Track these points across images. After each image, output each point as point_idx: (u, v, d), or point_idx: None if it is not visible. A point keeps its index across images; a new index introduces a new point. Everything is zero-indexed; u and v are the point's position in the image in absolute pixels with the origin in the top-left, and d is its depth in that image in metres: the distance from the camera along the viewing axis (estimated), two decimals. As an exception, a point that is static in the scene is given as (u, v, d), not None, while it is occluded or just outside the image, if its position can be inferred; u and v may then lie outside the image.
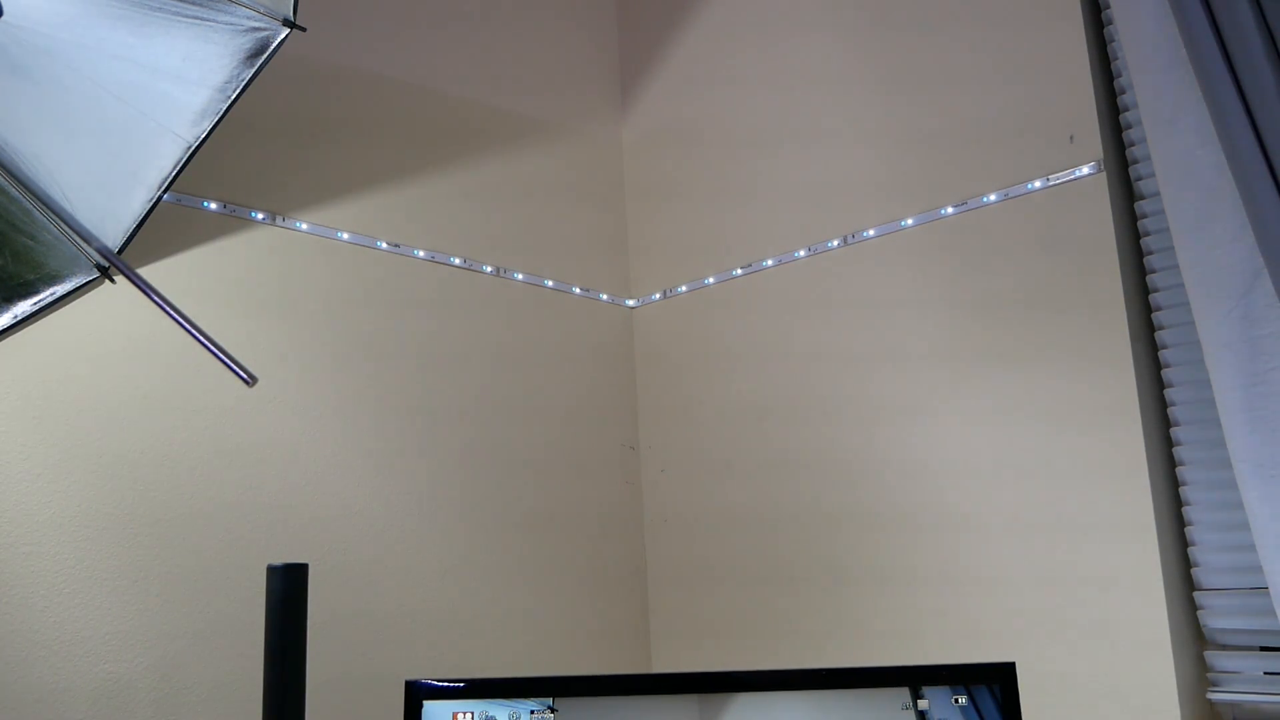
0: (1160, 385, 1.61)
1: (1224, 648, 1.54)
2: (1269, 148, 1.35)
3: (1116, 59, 1.68)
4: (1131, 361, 1.58)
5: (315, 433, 1.74)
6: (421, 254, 1.96)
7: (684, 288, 2.22)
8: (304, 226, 1.81)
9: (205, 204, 1.69)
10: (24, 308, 1.44)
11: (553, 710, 1.19)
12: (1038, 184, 1.70)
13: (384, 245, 1.91)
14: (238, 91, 1.40)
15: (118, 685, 1.47)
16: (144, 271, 1.54)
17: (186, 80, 1.37)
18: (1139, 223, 1.66)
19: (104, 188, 1.41)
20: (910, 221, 1.86)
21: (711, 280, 2.17)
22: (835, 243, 1.97)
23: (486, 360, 2.01)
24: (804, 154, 2.04)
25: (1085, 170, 1.66)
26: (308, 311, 1.78)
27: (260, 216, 1.75)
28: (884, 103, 1.92)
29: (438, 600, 1.84)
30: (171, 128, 1.40)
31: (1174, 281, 1.59)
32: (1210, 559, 1.54)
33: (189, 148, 1.43)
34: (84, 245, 1.41)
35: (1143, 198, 1.65)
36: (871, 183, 1.93)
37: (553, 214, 2.21)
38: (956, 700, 1.16)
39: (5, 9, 1.15)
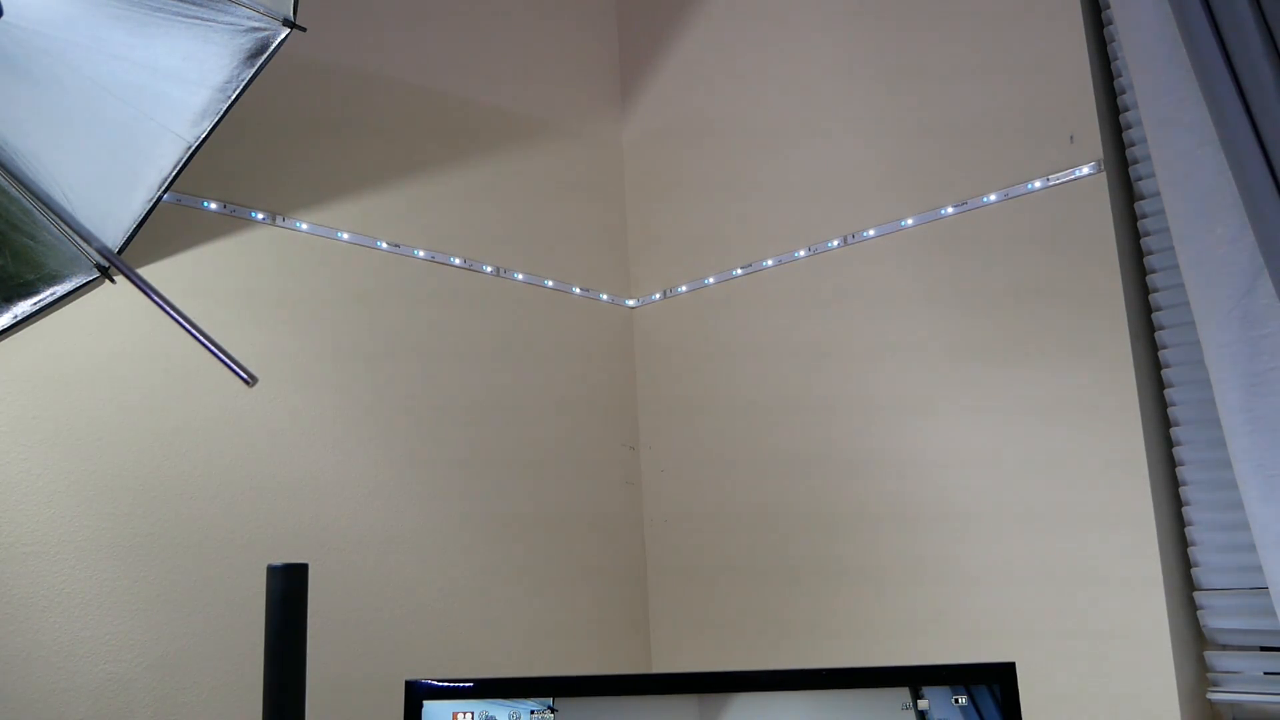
0: (1160, 385, 1.61)
1: (1224, 648, 1.54)
2: (1269, 148, 1.35)
3: (1116, 59, 1.68)
4: (1132, 361, 1.58)
5: (315, 432, 1.74)
6: (421, 254, 1.96)
7: (684, 288, 2.22)
8: (304, 226, 1.81)
9: (205, 204, 1.69)
10: (24, 308, 1.44)
11: (553, 710, 1.19)
12: (1038, 184, 1.70)
13: (384, 245, 1.91)
14: (238, 91, 1.40)
15: (118, 685, 1.47)
16: (144, 271, 1.54)
17: (186, 80, 1.37)
18: (1139, 223, 1.66)
19: (104, 188, 1.41)
20: (910, 221, 1.86)
21: (711, 280, 2.17)
22: (835, 243, 1.97)
23: (486, 360, 2.01)
24: (804, 154, 2.04)
25: (1085, 170, 1.66)
26: (308, 311, 1.78)
27: (260, 216, 1.75)
28: (884, 102, 1.92)
29: (438, 600, 1.84)
30: (171, 128, 1.40)
31: (1174, 281, 1.59)
32: (1210, 559, 1.53)
33: (189, 148, 1.43)
34: (84, 245, 1.41)
35: (1143, 198, 1.65)
36: (871, 183, 1.93)
37: (553, 214, 2.21)
38: (956, 700, 1.16)
39: (5, 9, 1.15)
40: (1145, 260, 1.64)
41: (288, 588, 1.16)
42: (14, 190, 1.34)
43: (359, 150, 1.91)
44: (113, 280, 1.50)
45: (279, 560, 1.20)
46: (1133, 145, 1.67)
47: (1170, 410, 1.59)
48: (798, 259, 2.02)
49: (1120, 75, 1.68)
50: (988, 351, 1.73)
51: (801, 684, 1.18)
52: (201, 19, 1.31)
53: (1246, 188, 1.36)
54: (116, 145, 1.39)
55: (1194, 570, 1.55)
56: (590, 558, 2.09)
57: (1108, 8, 1.69)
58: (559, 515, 2.06)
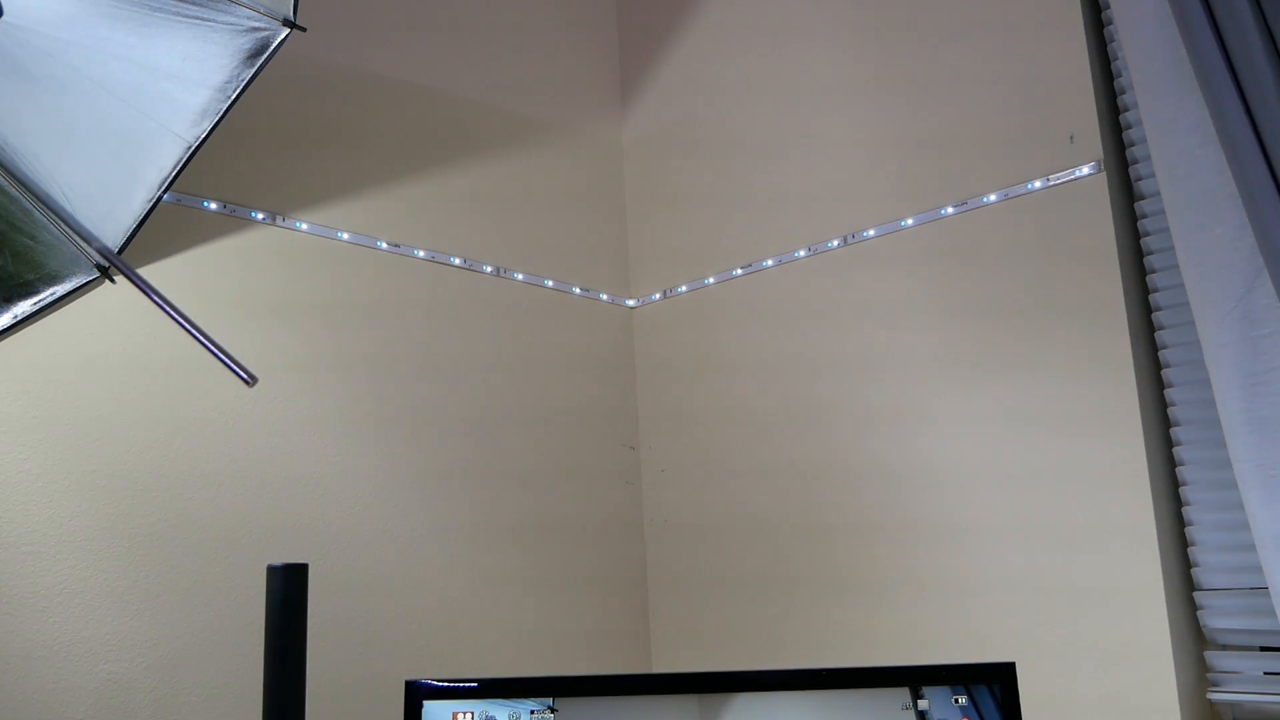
0: (1160, 386, 1.61)
1: (1224, 648, 1.54)
2: (1269, 148, 1.35)
3: (1116, 59, 1.68)
4: (1132, 362, 1.58)
5: (315, 432, 1.74)
6: (421, 254, 1.96)
7: (684, 288, 2.22)
8: (304, 226, 1.81)
9: (205, 204, 1.69)
10: (24, 308, 1.44)
11: (553, 710, 1.19)
12: (1038, 184, 1.70)
13: (384, 245, 1.91)
14: (238, 91, 1.40)
15: (118, 686, 1.47)
16: (144, 271, 1.54)
17: (186, 80, 1.37)
18: (1139, 223, 1.66)
19: (104, 187, 1.41)
20: (910, 221, 1.86)
21: (711, 280, 2.17)
22: (835, 243, 1.97)
23: (486, 360, 2.01)
24: (804, 154, 2.04)
25: (1085, 170, 1.66)
26: (308, 311, 1.78)
27: (260, 216, 1.75)
28: (884, 103, 1.92)
29: (438, 600, 1.84)
30: (171, 128, 1.40)
31: (1174, 281, 1.59)
32: (1210, 559, 1.53)
33: (189, 148, 1.43)
34: (84, 245, 1.41)
35: (1143, 198, 1.65)
36: (871, 183, 1.93)
37: (553, 214, 2.21)
38: (956, 700, 1.16)
39: (5, 9, 1.16)
40: (1145, 260, 1.64)
41: (288, 588, 1.16)
42: (14, 190, 1.34)
43: (359, 151, 1.91)
44: (113, 280, 1.50)
45: (279, 560, 1.20)
46: (1133, 145, 1.67)
47: (1170, 410, 1.59)
48: (798, 259, 2.02)
49: (1120, 75, 1.68)
50: (987, 352, 1.73)
51: (802, 684, 1.18)
52: (201, 19, 1.31)
53: (1246, 188, 1.36)
54: (116, 145, 1.39)
55: (1194, 570, 1.55)
56: (590, 557, 2.09)
57: (1108, 8, 1.69)
58: (559, 515, 2.06)
